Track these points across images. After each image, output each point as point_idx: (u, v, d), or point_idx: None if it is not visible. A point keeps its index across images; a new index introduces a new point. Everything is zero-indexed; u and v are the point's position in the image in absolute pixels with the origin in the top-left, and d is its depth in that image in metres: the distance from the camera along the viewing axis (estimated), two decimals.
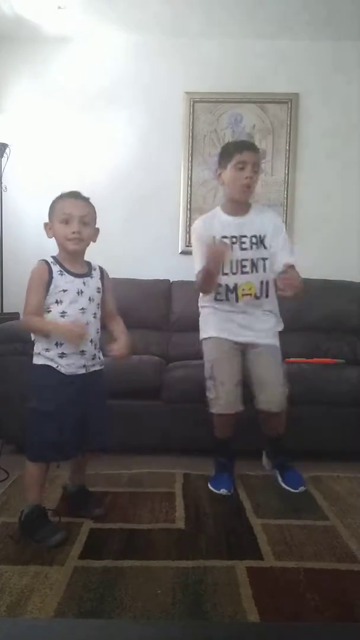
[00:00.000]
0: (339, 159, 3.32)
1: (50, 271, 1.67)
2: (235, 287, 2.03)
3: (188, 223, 3.34)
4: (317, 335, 2.92)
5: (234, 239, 2.01)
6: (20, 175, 3.31)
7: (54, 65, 3.32)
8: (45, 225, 1.77)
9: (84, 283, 1.71)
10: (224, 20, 3.06)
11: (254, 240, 2.02)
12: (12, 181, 3.24)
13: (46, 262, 1.70)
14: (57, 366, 1.66)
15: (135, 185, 3.33)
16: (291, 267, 1.96)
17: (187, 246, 3.35)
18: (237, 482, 2.10)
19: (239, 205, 2.06)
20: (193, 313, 2.98)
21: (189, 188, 3.34)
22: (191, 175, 3.34)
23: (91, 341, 1.70)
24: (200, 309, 2.20)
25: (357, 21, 3.02)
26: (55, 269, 1.68)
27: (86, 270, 1.75)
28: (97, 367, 1.75)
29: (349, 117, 3.29)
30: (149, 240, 3.32)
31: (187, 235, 3.35)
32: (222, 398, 1.97)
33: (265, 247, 2.02)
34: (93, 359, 1.72)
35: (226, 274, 2.02)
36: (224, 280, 2.03)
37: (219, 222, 2.06)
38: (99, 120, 3.33)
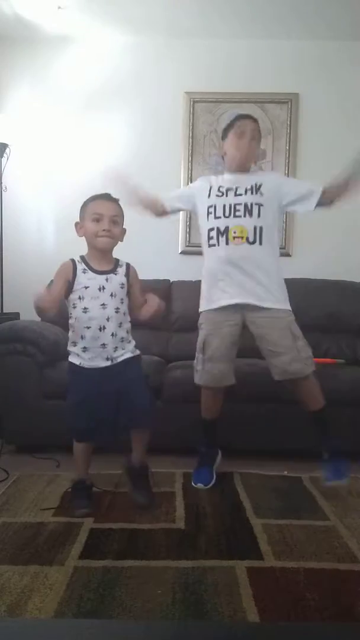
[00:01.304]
0: (339, 159, 3.30)
1: (75, 269, 1.80)
2: (227, 229, 1.98)
3: (188, 223, 3.34)
4: (317, 335, 2.91)
5: (230, 187, 2.02)
6: (20, 175, 3.31)
7: (53, 66, 3.32)
8: (76, 224, 1.87)
9: (107, 279, 1.82)
10: (224, 21, 3.07)
11: (249, 187, 2.01)
12: (12, 181, 3.24)
13: (73, 260, 1.83)
14: (80, 362, 1.82)
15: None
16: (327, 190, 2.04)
17: (187, 246, 3.35)
18: (237, 482, 2.10)
19: (240, 168, 2.07)
20: (193, 313, 2.98)
21: None
22: (191, 175, 3.34)
23: (112, 334, 1.81)
24: (202, 282, 2.17)
25: (357, 21, 3.03)
26: (80, 267, 1.81)
27: (111, 268, 1.85)
28: (128, 355, 1.86)
29: (349, 117, 3.29)
30: (149, 240, 3.31)
31: (187, 235, 3.35)
32: (208, 372, 2.00)
33: (261, 194, 2.00)
34: (116, 350, 1.83)
35: (218, 217, 2.01)
36: (214, 223, 2.01)
37: (218, 176, 2.12)
38: (99, 120, 3.33)
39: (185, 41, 3.28)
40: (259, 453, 2.33)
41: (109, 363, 1.82)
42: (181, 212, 3.33)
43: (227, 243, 1.98)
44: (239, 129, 2.02)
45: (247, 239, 1.96)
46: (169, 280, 3.12)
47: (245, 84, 3.25)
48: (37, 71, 3.32)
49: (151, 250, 3.30)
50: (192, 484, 2.04)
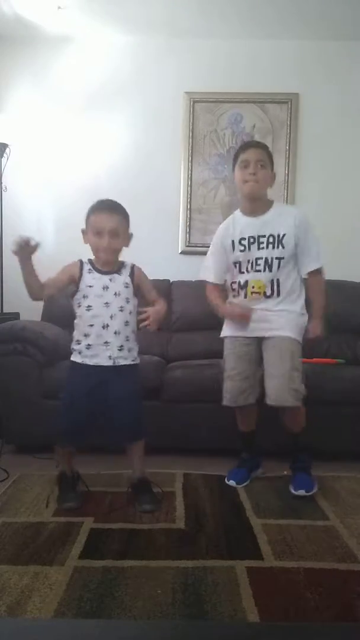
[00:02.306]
0: (339, 159, 3.32)
1: (81, 269, 1.87)
2: (246, 283, 2.03)
3: (188, 223, 3.34)
4: None
5: (252, 240, 2.02)
6: (20, 175, 3.31)
7: (53, 66, 3.32)
8: (82, 231, 1.91)
9: (110, 279, 1.87)
10: (224, 21, 3.07)
11: (271, 239, 2.00)
12: (12, 181, 3.24)
13: (81, 261, 1.90)
14: (82, 360, 1.84)
15: (135, 185, 3.33)
16: (313, 272, 2.04)
17: (187, 246, 3.35)
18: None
19: (256, 205, 2.03)
20: (193, 313, 2.99)
21: (189, 188, 3.34)
22: (191, 175, 3.34)
23: (116, 332, 1.84)
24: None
25: (357, 21, 3.03)
26: (86, 267, 1.88)
27: (115, 268, 1.90)
28: (128, 362, 1.87)
29: (349, 117, 3.29)
30: (149, 240, 3.31)
31: (187, 235, 3.35)
32: (228, 391, 2.06)
33: (283, 247, 1.99)
34: (120, 350, 1.85)
35: (242, 272, 2.04)
36: (238, 278, 2.06)
37: (238, 224, 2.07)
38: (99, 120, 3.33)
39: (185, 41, 3.28)
40: (258, 453, 2.33)
41: (110, 363, 1.83)
42: (180, 212, 3.35)
43: (245, 296, 2.04)
44: (242, 163, 1.99)
45: (265, 293, 2.01)
46: (169, 280, 3.12)
47: (245, 84, 3.25)
48: (37, 71, 3.32)
49: (151, 250, 3.30)
50: (226, 480, 2.09)
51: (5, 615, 1.22)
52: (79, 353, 1.86)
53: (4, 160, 3.16)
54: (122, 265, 1.93)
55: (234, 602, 1.29)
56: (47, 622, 1.09)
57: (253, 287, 2.02)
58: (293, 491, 1.97)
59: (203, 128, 3.32)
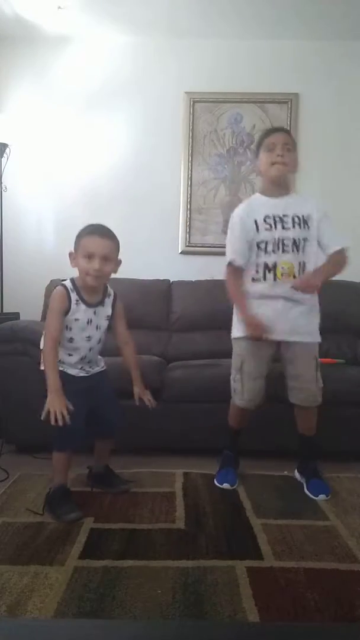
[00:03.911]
0: (339, 159, 3.32)
1: (69, 300, 1.82)
2: (275, 265, 1.97)
3: (188, 223, 3.34)
4: None
5: (277, 218, 1.97)
6: (20, 175, 3.31)
7: (54, 65, 3.32)
8: (70, 254, 1.85)
9: (95, 312, 1.88)
10: (224, 21, 3.07)
11: (296, 219, 1.97)
12: (12, 181, 3.24)
13: (66, 289, 1.82)
14: (64, 368, 1.86)
15: (135, 185, 3.33)
16: (339, 251, 1.99)
17: (187, 246, 3.35)
18: (237, 482, 2.10)
19: (279, 188, 2.01)
20: (193, 313, 2.99)
21: (189, 188, 3.34)
22: (191, 175, 3.34)
23: (90, 361, 1.93)
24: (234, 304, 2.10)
25: (356, 21, 3.03)
26: (73, 297, 1.82)
27: (100, 299, 1.90)
28: (99, 369, 1.98)
29: (349, 117, 3.29)
30: (149, 240, 3.32)
31: (187, 235, 3.35)
32: (247, 392, 2.03)
33: (308, 227, 1.97)
34: (93, 368, 1.96)
35: (268, 253, 1.97)
36: (263, 259, 1.98)
37: (259, 203, 2.02)
38: (99, 120, 3.33)
39: (185, 41, 3.28)
40: (259, 453, 2.33)
41: (85, 374, 1.92)
42: (180, 212, 3.35)
43: (274, 279, 1.97)
44: (269, 146, 1.97)
45: (294, 275, 1.96)
46: (169, 280, 3.12)
47: (245, 84, 3.25)
48: (37, 71, 3.32)
49: (151, 250, 3.30)
50: (217, 483, 2.06)
51: (5, 615, 1.22)
52: (62, 363, 1.86)
53: (4, 160, 3.17)
54: (105, 292, 1.92)
55: (234, 602, 1.29)
56: (47, 622, 1.09)
57: (283, 268, 1.96)
58: (313, 496, 1.97)
59: (203, 128, 3.32)
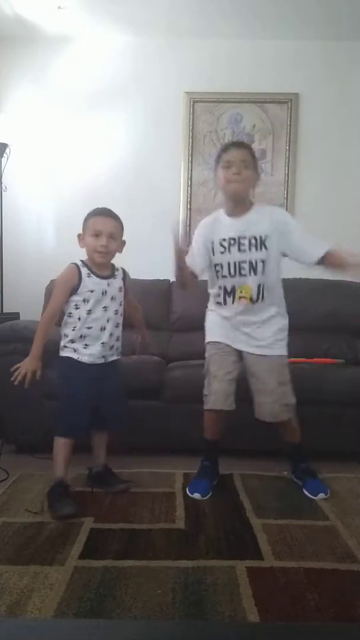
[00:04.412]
0: (339, 159, 3.32)
1: (80, 274, 1.93)
2: (233, 289, 1.99)
3: (188, 223, 3.34)
4: (317, 335, 2.91)
5: (232, 241, 1.97)
6: (20, 175, 3.31)
7: (53, 65, 3.32)
8: (79, 235, 1.98)
9: (108, 284, 1.97)
10: (224, 21, 3.07)
11: (253, 241, 1.95)
12: (12, 181, 3.24)
13: (76, 265, 1.94)
14: (79, 357, 1.93)
15: (135, 185, 3.33)
16: (330, 254, 1.93)
17: (187, 246, 3.34)
18: (237, 482, 2.10)
19: (238, 205, 1.99)
20: (193, 313, 2.98)
21: (189, 188, 3.34)
22: (191, 175, 3.34)
23: (110, 334, 1.98)
24: (206, 312, 2.16)
25: (356, 21, 3.03)
26: (84, 271, 1.94)
27: (110, 272, 2.01)
28: (115, 357, 2.03)
29: (348, 117, 3.29)
30: (149, 240, 3.31)
31: (187, 236, 3.35)
32: (215, 393, 1.99)
33: (265, 248, 1.95)
34: (111, 349, 2.00)
35: (225, 276, 1.99)
36: (222, 282, 2.01)
37: (219, 224, 2.03)
38: (99, 120, 3.33)
39: (185, 41, 3.28)
40: (259, 453, 2.33)
41: (102, 361, 1.97)
42: (180, 211, 3.35)
43: (232, 302, 2.00)
44: (226, 163, 1.94)
45: (251, 298, 1.97)
46: (168, 280, 3.12)
47: (245, 83, 3.25)
48: (37, 71, 3.32)
49: (151, 250, 3.30)
50: (188, 493, 1.98)
51: (5, 615, 1.22)
52: (74, 351, 1.94)
53: (4, 160, 3.17)
54: (114, 268, 2.04)
55: (234, 602, 1.29)
56: (47, 622, 1.09)
57: (241, 291, 1.98)
58: (313, 497, 1.96)
59: (203, 128, 3.33)
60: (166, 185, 3.34)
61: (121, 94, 3.32)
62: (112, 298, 1.98)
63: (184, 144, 3.32)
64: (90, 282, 1.93)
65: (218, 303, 2.05)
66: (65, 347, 1.96)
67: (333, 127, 3.29)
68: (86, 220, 1.97)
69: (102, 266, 1.97)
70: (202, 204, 3.34)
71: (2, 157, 3.15)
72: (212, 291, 2.09)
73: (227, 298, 2.01)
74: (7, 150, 3.16)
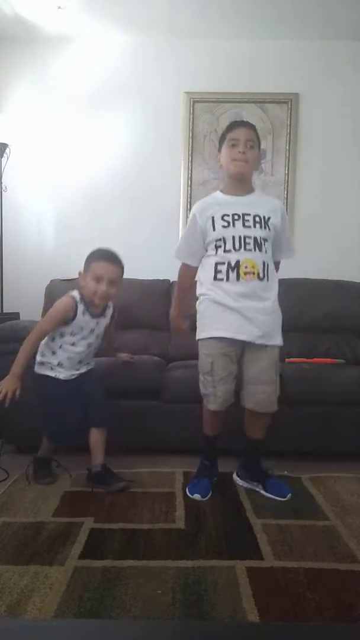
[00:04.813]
0: (339, 158, 3.32)
1: (76, 310, 2.01)
2: (238, 263, 1.88)
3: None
4: (317, 335, 2.91)
5: (237, 217, 1.90)
6: (20, 175, 3.31)
7: (54, 65, 3.32)
8: (79, 274, 2.05)
9: (97, 323, 2.08)
10: (224, 21, 3.06)
11: (257, 219, 1.91)
12: (12, 181, 3.24)
13: (74, 300, 2.01)
14: (55, 375, 2.05)
15: (135, 185, 3.33)
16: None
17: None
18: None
19: (241, 186, 1.96)
20: (193, 313, 2.98)
21: (189, 188, 3.34)
22: (191, 175, 3.34)
23: (87, 364, 2.14)
24: (197, 303, 2.04)
25: (356, 21, 3.03)
26: (80, 308, 2.02)
27: (102, 310, 2.10)
28: (89, 367, 2.16)
29: (348, 117, 3.29)
30: (149, 240, 3.32)
31: None
32: (220, 395, 1.95)
33: (269, 229, 1.92)
34: (87, 365, 2.15)
35: (228, 250, 1.90)
36: (223, 257, 1.91)
37: (218, 201, 1.97)
38: (99, 120, 3.33)
39: (185, 41, 3.28)
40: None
41: (76, 375, 2.09)
42: (180, 211, 3.35)
43: (237, 278, 1.89)
44: (231, 141, 1.91)
45: (258, 274, 1.89)
46: (168, 281, 3.12)
47: (245, 83, 3.25)
48: (37, 71, 3.32)
49: (151, 250, 3.30)
50: (188, 494, 1.96)
51: (5, 615, 1.22)
52: (51, 369, 2.05)
53: (4, 160, 3.17)
54: (106, 305, 2.12)
55: (234, 602, 1.29)
56: (47, 622, 1.09)
57: (246, 267, 1.88)
58: (282, 498, 1.93)
59: (203, 128, 3.32)
60: (166, 185, 3.34)
61: (121, 94, 3.32)
62: (97, 336, 2.10)
63: (184, 144, 3.32)
64: (82, 319, 2.02)
65: (219, 280, 1.92)
66: (41, 364, 2.07)
67: (333, 127, 3.29)
68: (89, 260, 2.02)
69: (97, 305, 2.06)
70: None
71: (2, 157, 3.15)
72: (209, 270, 1.95)
73: (231, 273, 1.89)
74: (7, 150, 3.16)
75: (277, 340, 1.98)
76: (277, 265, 2.05)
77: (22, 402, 2.40)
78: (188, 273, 2.07)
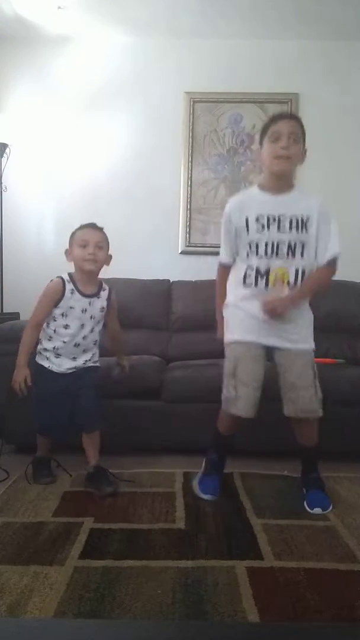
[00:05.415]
0: (339, 158, 3.32)
1: (64, 289, 2.00)
2: (268, 271, 1.82)
3: (188, 223, 3.34)
4: (317, 335, 2.91)
5: (272, 219, 1.81)
6: (20, 175, 3.31)
7: (54, 65, 3.32)
8: (66, 251, 2.04)
9: (90, 303, 2.04)
10: (224, 21, 3.07)
11: (294, 222, 1.81)
12: (12, 181, 3.24)
13: (62, 280, 2.01)
14: (50, 365, 2.03)
15: (135, 185, 3.34)
16: (329, 262, 1.88)
17: (187, 246, 3.35)
18: (237, 482, 2.10)
19: (280, 183, 1.85)
20: (193, 313, 2.99)
21: (189, 188, 3.34)
22: (191, 175, 3.34)
23: (84, 350, 2.07)
24: (224, 308, 1.99)
25: (356, 21, 3.03)
26: (69, 287, 2.01)
27: (95, 291, 2.06)
28: (90, 364, 2.09)
29: (349, 117, 3.29)
30: (149, 240, 3.32)
31: (187, 235, 3.35)
32: (242, 400, 1.85)
33: (306, 231, 1.82)
34: (85, 363, 2.07)
35: (260, 256, 1.83)
36: (255, 262, 1.84)
37: (254, 200, 1.87)
38: (99, 120, 3.34)
39: (185, 41, 3.28)
40: (259, 453, 2.33)
41: (74, 370, 2.05)
42: (180, 211, 3.35)
43: (266, 285, 1.83)
44: (274, 134, 1.80)
45: (289, 282, 1.83)
46: (168, 281, 3.12)
47: (245, 83, 3.26)
48: (37, 71, 3.32)
49: (151, 250, 3.31)
50: (200, 494, 1.92)
51: (5, 615, 1.22)
52: (47, 359, 2.04)
53: (4, 160, 3.17)
54: (100, 286, 2.09)
55: (234, 602, 1.29)
56: (47, 622, 1.09)
57: (277, 274, 1.81)
58: (309, 509, 1.84)
59: (203, 128, 3.33)
60: (166, 185, 3.34)
61: (121, 94, 3.32)
62: (91, 317, 2.04)
63: (184, 144, 3.33)
64: (72, 299, 2.00)
65: (247, 285, 1.86)
66: (39, 353, 2.06)
67: (333, 127, 3.29)
68: (72, 235, 2.03)
69: (88, 281, 2.03)
70: (202, 204, 3.34)
71: (2, 157, 3.15)
72: (239, 273, 1.90)
73: (260, 280, 1.83)
74: (7, 150, 3.16)
75: (307, 344, 1.90)
76: (321, 274, 1.90)
77: (22, 402, 2.41)
78: (224, 276, 1.99)
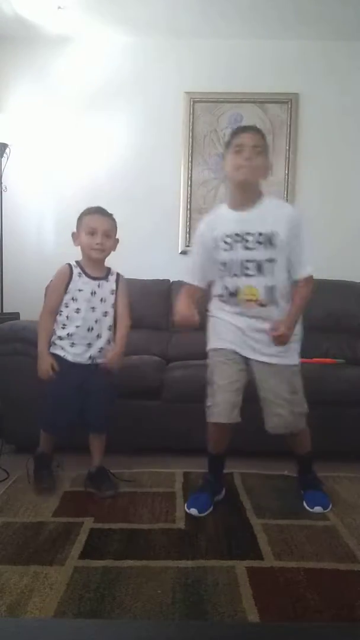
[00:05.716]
0: (339, 158, 3.32)
1: (71, 273, 2.00)
2: (237, 291, 1.81)
3: (188, 223, 3.34)
4: (317, 335, 2.91)
5: (237, 238, 1.79)
6: (20, 175, 3.31)
7: (53, 65, 3.32)
8: (73, 234, 2.03)
9: (99, 285, 2.02)
10: (224, 21, 3.06)
11: (260, 239, 1.77)
12: (12, 181, 3.24)
13: (69, 265, 2.02)
14: (64, 355, 1.99)
15: (135, 185, 3.33)
16: (304, 279, 1.84)
17: (187, 246, 3.35)
18: (237, 482, 2.10)
19: (245, 196, 1.81)
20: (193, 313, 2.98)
21: (189, 188, 3.34)
22: (191, 175, 3.34)
23: (98, 335, 2.02)
24: (208, 317, 1.97)
25: (356, 21, 3.03)
26: (76, 271, 2.01)
27: (103, 275, 2.05)
28: (102, 360, 2.03)
29: (349, 117, 3.29)
30: (149, 240, 3.32)
31: (187, 235, 3.35)
32: (220, 405, 1.81)
33: (273, 247, 1.77)
34: (100, 351, 2.02)
35: (229, 275, 1.83)
36: (227, 281, 1.84)
37: (222, 218, 1.86)
38: (99, 120, 3.33)
39: (185, 41, 3.27)
40: (259, 453, 2.33)
41: (89, 362, 2.01)
42: (180, 211, 3.35)
43: (236, 304, 1.83)
44: (236, 147, 1.77)
45: (259, 302, 1.80)
46: (168, 281, 3.12)
47: (245, 83, 3.25)
48: (37, 71, 3.32)
49: (151, 250, 3.30)
50: (185, 508, 1.83)
51: (5, 615, 1.22)
52: (62, 348, 2.00)
53: (4, 160, 3.16)
54: (108, 271, 2.07)
55: (234, 602, 1.29)
56: (47, 622, 1.09)
57: (245, 294, 1.80)
58: (309, 509, 1.85)
59: (203, 128, 3.32)
60: (166, 185, 3.34)
61: (121, 94, 3.32)
62: (101, 300, 2.02)
63: (184, 144, 3.32)
64: (79, 282, 1.99)
65: (222, 301, 1.87)
66: (54, 343, 2.02)
67: (333, 127, 3.29)
68: (80, 218, 2.01)
69: (95, 267, 2.02)
70: (202, 204, 3.34)
71: (2, 157, 3.15)
72: (216, 291, 1.92)
73: (231, 299, 1.84)
74: (7, 150, 3.15)
75: (287, 359, 1.84)
76: (301, 291, 1.85)
77: (22, 402, 2.41)
78: (188, 291, 1.92)
